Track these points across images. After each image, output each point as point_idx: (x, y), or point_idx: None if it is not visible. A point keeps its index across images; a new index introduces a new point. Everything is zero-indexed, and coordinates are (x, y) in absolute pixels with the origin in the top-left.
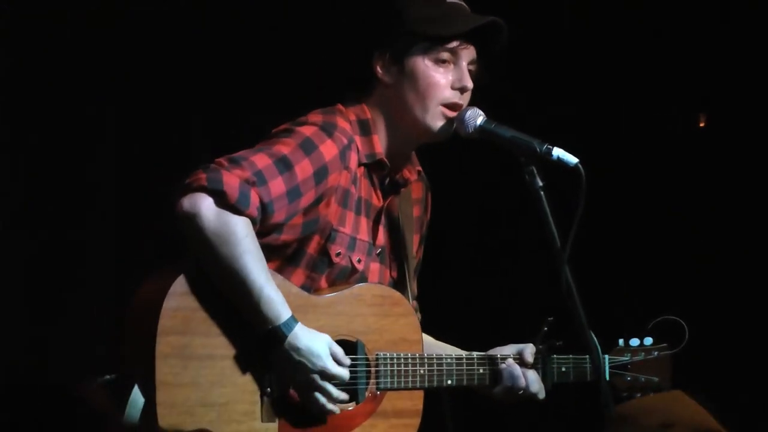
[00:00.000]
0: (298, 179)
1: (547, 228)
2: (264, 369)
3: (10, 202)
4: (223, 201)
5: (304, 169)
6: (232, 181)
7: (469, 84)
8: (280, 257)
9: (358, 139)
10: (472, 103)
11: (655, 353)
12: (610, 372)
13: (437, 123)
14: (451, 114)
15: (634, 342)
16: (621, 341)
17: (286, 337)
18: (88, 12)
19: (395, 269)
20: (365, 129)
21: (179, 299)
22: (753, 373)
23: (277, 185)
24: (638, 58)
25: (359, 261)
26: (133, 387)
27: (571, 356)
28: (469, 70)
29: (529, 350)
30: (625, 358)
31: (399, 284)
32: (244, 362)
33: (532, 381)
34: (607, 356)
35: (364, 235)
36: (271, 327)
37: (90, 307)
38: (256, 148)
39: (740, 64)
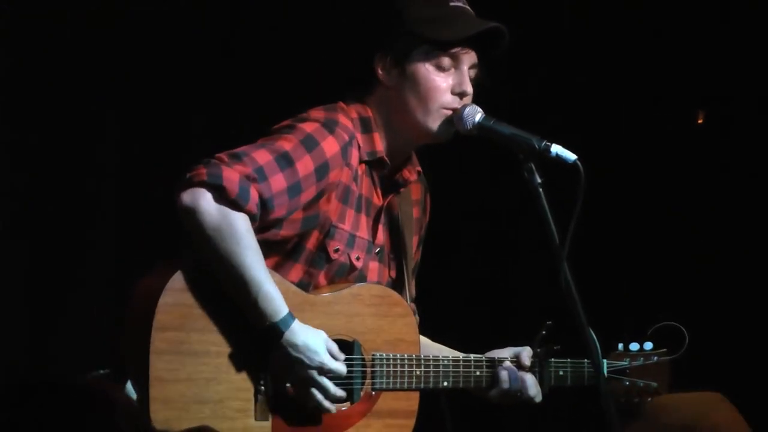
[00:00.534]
0: (299, 175)
1: (546, 225)
2: (259, 366)
3: (10, 202)
4: (222, 196)
5: (305, 165)
6: (232, 176)
7: (469, 89)
8: (279, 253)
9: (359, 136)
10: (474, 101)
11: (655, 358)
12: (607, 376)
13: (438, 125)
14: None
15: (634, 347)
16: (620, 345)
17: (284, 333)
18: (88, 12)
19: (394, 269)
20: (366, 126)
21: (176, 295)
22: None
23: (278, 181)
24: (635, 55)
25: (358, 258)
26: (126, 382)
27: (569, 360)
28: (470, 74)
29: (526, 353)
30: (624, 363)
31: (397, 284)
32: (239, 359)
33: (530, 384)
34: (605, 361)
35: (363, 233)
36: (269, 323)
37: (90, 306)
38: (258, 143)
39: (738, 60)
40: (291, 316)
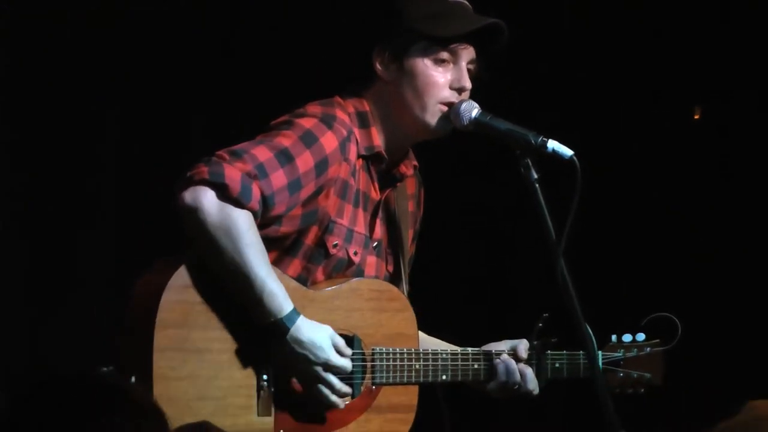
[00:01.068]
0: (299, 172)
1: (543, 221)
2: (261, 363)
3: (10, 202)
4: (225, 194)
5: (305, 161)
6: (234, 174)
7: (468, 84)
8: (278, 248)
9: (356, 131)
10: (472, 97)
11: (648, 349)
12: (602, 368)
13: (436, 121)
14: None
15: (627, 338)
16: (614, 337)
17: (289, 329)
18: (88, 12)
19: (391, 263)
20: (364, 121)
21: (179, 292)
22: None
23: (278, 178)
24: (633, 51)
25: (356, 253)
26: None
27: (564, 352)
28: (469, 70)
29: (523, 346)
30: (618, 354)
31: (395, 278)
32: (242, 356)
33: (527, 377)
34: (600, 352)
35: (361, 227)
36: (274, 320)
37: (90, 306)
38: (257, 140)
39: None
40: (296, 313)
